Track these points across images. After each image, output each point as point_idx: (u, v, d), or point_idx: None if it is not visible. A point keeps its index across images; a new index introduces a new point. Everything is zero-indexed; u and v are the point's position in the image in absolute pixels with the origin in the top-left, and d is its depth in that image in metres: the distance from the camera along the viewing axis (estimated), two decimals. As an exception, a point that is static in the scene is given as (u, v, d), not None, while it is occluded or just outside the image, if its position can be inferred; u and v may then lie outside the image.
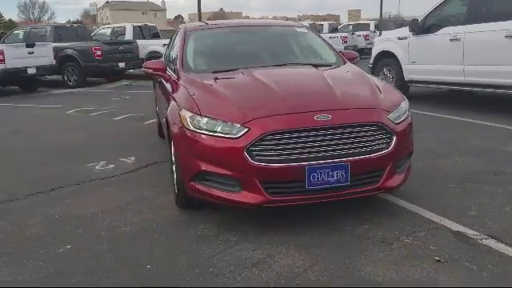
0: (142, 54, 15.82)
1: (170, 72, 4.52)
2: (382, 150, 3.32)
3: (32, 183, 4.72)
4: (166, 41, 16.10)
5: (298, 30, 5.13)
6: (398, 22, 27.10)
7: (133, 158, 5.50)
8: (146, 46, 15.95)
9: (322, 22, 26.33)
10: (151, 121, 7.84)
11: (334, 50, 4.78)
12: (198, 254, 3.08)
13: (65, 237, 3.43)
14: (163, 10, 77.36)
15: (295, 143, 3.14)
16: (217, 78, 3.88)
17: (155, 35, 17.99)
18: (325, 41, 5.00)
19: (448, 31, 7.74)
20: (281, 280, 2.73)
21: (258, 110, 3.26)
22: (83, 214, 3.84)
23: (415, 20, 8.41)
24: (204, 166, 3.31)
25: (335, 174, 3.19)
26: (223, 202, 3.34)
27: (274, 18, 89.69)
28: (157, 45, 16.09)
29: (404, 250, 3.04)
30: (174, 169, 3.80)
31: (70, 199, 4.23)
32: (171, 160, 4.10)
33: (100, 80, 15.25)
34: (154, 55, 15.89)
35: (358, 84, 3.80)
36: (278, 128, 3.13)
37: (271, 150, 3.14)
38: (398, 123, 3.44)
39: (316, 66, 4.27)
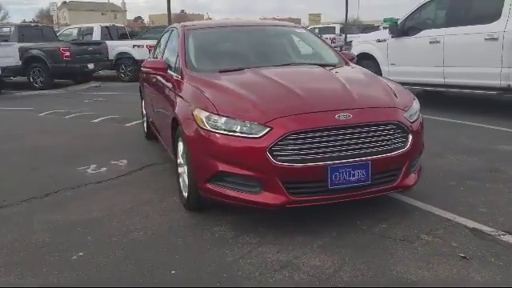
0: (111, 55, 15.43)
1: (170, 72, 4.39)
2: (399, 148, 3.33)
3: (23, 188, 4.50)
4: (136, 42, 15.94)
5: (297, 30, 5.11)
6: (361, 26, 27.72)
7: (125, 161, 5.33)
8: (115, 46, 15.56)
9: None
10: (134, 123, 7.67)
11: (334, 50, 4.79)
12: (221, 258, 2.99)
13: (74, 243, 3.27)
14: (124, 10, 75.98)
15: (317, 142, 3.11)
16: (227, 78, 3.81)
17: (123, 36, 17.59)
18: (324, 41, 5.00)
19: (427, 34, 7.92)
20: (315, 282, 2.69)
21: (279, 109, 3.21)
22: (87, 220, 3.68)
23: (395, 23, 8.57)
24: (222, 167, 3.23)
25: (356, 173, 3.18)
26: (242, 203, 3.26)
27: (237, 19, 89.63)
28: (126, 45, 15.72)
29: (427, 247, 3.05)
30: (185, 170, 3.68)
31: (69, 204, 4.04)
32: (176, 162, 4.00)
33: (67, 82, 14.79)
34: (123, 56, 15.59)
35: (371, 83, 3.81)
36: (301, 127, 3.09)
37: (293, 149, 3.09)
38: (413, 122, 3.47)
39: (322, 65, 4.26)
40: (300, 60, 4.53)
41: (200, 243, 3.21)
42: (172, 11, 19.35)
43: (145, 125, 6.50)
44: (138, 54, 15.32)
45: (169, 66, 4.49)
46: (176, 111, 3.77)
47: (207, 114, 3.31)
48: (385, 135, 3.28)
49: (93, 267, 2.93)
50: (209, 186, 3.34)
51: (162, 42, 5.65)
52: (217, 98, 3.40)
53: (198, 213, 3.69)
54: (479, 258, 2.90)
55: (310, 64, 4.36)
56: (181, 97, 3.81)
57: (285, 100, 3.34)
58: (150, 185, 4.49)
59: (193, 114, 3.43)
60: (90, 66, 14.14)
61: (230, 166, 3.21)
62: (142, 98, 6.62)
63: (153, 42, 15.27)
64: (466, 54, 7.31)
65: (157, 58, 5.85)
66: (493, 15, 6.95)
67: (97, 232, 3.45)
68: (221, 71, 4.01)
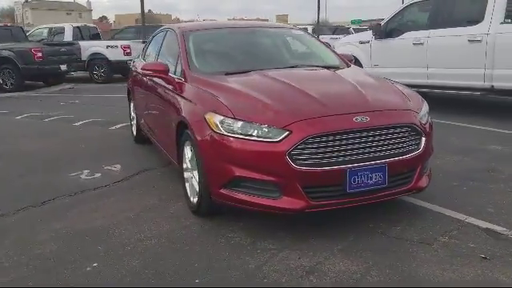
0: (84, 55, 15.04)
1: (170, 74, 4.28)
2: (413, 151, 3.35)
3: (16, 196, 4.30)
4: (110, 42, 15.59)
5: (295, 31, 5.08)
6: (332, 27, 27.99)
7: (118, 166, 5.18)
8: (88, 47, 15.18)
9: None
10: (118, 126, 7.49)
11: (334, 51, 4.79)
12: (243, 265, 2.92)
13: (85, 254, 3.13)
14: (89, 10, 74.35)
15: (336, 146, 3.09)
16: (236, 80, 3.74)
17: (95, 36, 17.21)
18: (322, 42, 4.99)
19: (411, 35, 8.05)
20: (345, 287, 2.66)
21: (297, 112, 3.17)
22: (93, 228, 3.54)
23: (378, 25, 8.67)
24: (238, 172, 3.16)
25: (374, 176, 3.17)
26: (260, 208, 3.20)
27: (204, 20, 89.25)
28: (99, 46, 15.36)
29: (446, 249, 3.07)
30: (194, 175, 3.60)
31: (70, 212, 3.89)
32: (181, 167, 3.90)
33: (38, 84, 14.32)
34: (96, 57, 15.23)
35: (381, 86, 3.82)
36: (320, 131, 3.05)
37: (312, 153, 3.06)
38: (425, 124, 3.49)
39: (326, 67, 4.24)
40: (303, 62, 4.50)
41: (217, 250, 3.14)
42: (138, 11, 19.02)
43: (133, 128, 6.34)
44: (111, 55, 15.01)
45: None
46: (184, 114, 3.68)
47: (221, 117, 3.24)
48: (400, 138, 3.29)
49: (110, 278, 2.81)
50: (223, 191, 3.26)
51: (155, 43, 5.52)
52: (231, 102, 3.33)
53: (208, 219, 3.60)
54: (499, 259, 2.93)
55: (314, 66, 4.33)
56: (188, 100, 3.72)
57: (301, 103, 3.30)
58: (150, 190, 4.37)
59: (205, 118, 3.35)
60: (63, 67, 13.74)
61: (247, 171, 3.14)
62: (130, 101, 6.45)
63: (127, 43, 15.16)
64: (449, 56, 7.45)
65: (145, 60, 5.75)
66: (476, 17, 7.12)
67: (107, 241, 3.32)
68: (227, 73, 3.93)
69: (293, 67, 4.25)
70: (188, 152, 3.73)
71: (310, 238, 3.26)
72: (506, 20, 6.85)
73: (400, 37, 8.26)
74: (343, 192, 3.13)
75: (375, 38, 8.66)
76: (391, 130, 3.24)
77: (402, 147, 3.29)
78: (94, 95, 12.14)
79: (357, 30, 26.25)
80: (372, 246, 3.14)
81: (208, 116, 3.33)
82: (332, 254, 3.04)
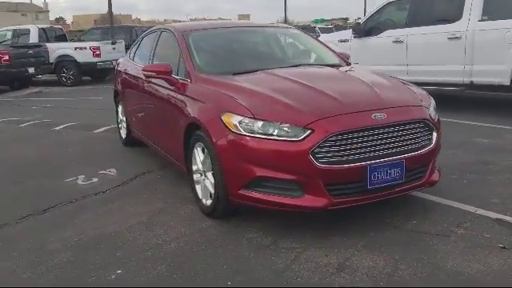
0: (51, 58, 14.59)
1: (173, 75, 4.20)
2: (427, 145, 3.42)
3: (14, 205, 4.15)
4: (78, 44, 15.19)
5: (293, 31, 5.09)
6: (299, 27, 28.28)
7: (113, 170, 5.06)
8: (56, 49, 14.73)
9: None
10: (101, 129, 7.32)
11: (332, 50, 4.83)
12: (272, 265, 2.91)
13: (106, 261, 3.05)
14: (46, 11, 72.07)
15: (357, 143, 3.12)
16: (247, 79, 3.71)
17: (61, 38, 16.74)
18: (320, 41, 5.02)
19: (390, 34, 8.21)
20: (379, 283, 2.68)
21: (317, 110, 3.17)
22: (106, 234, 3.45)
23: (358, 23, 8.80)
24: (260, 172, 3.15)
25: (392, 172, 3.22)
26: (282, 207, 3.20)
27: (165, 21, 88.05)
28: (67, 48, 14.94)
29: (465, 241, 3.15)
30: (208, 177, 3.55)
31: (76, 219, 3.77)
32: (191, 169, 3.85)
33: (4, 88, 13.79)
34: (64, 59, 14.80)
35: (390, 83, 3.87)
36: (342, 128, 3.07)
37: (334, 150, 3.08)
38: (435, 119, 3.57)
39: (330, 66, 4.27)
40: (306, 61, 4.52)
41: (241, 251, 3.11)
42: (99, 11, 18.66)
43: (122, 131, 6.20)
44: (80, 57, 14.63)
45: None
46: (195, 116, 3.62)
47: (240, 118, 3.21)
48: (415, 133, 3.35)
49: (139, 285, 2.74)
50: (243, 192, 3.24)
51: (146, 44, 5.41)
52: (248, 101, 3.30)
53: (224, 221, 3.57)
54: (518, 248, 3.03)
55: (317, 64, 4.36)
56: (199, 100, 3.66)
57: (319, 101, 3.31)
58: (154, 194, 4.29)
59: (221, 119, 3.31)
60: (31, 70, 13.32)
61: (269, 171, 3.13)
62: (117, 104, 6.30)
63: (97, 44, 14.80)
64: (429, 53, 7.64)
65: (134, 61, 5.64)
66: (455, 15, 7.33)
67: (124, 247, 3.24)
68: (235, 73, 3.90)
69: (296, 66, 4.25)
70: (199, 154, 3.68)
71: (329, 235, 3.28)
72: (484, 17, 7.09)
73: (379, 35, 8.41)
74: (364, 188, 3.16)
75: (355, 37, 8.79)
76: (407, 126, 3.30)
77: (417, 142, 3.36)
78: (66, 98, 11.82)
79: (322, 30, 26.62)
80: (393, 241, 3.18)
81: (225, 117, 3.29)
82: (356, 250, 3.07)
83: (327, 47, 4.87)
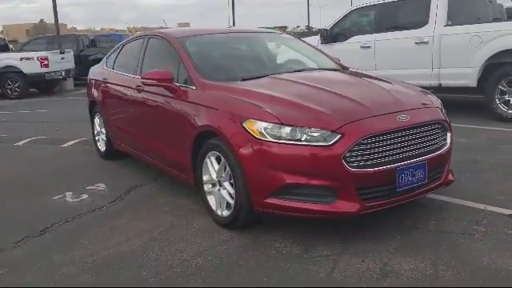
0: (-6, 69, 13.72)
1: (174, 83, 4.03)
2: (444, 146, 3.47)
3: (4, 227, 3.81)
4: (24, 54, 14.38)
5: (287, 36, 5.06)
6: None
7: (102, 185, 4.77)
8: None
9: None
10: (70, 143, 6.94)
11: (327, 55, 4.83)
12: (314, 274, 2.83)
13: (134, 281, 2.85)
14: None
15: (386, 145, 3.11)
16: (261, 85, 3.62)
17: (2, 48, 15.78)
18: (312, 46, 5.02)
19: (358, 39, 8.39)
20: (424, 284, 2.67)
21: (344, 114, 3.13)
22: (122, 254, 3.22)
23: (325, 30, 8.91)
24: (290, 179, 3.06)
25: (417, 174, 3.24)
26: (314, 215, 3.13)
27: (102, 29, 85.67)
28: (12, 58, 14.10)
29: (491, 238, 3.20)
30: (225, 187, 3.42)
31: (81, 239, 3.51)
32: (201, 180, 3.69)
33: None
34: (8, 70, 13.95)
35: (401, 85, 3.89)
36: (372, 131, 3.05)
37: (364, 154, 3.05)
38: (448, 120, 3.63)
39: (332, 70, 4.27)
40: (306, 65, 4.47)
41: (275, 262, 3.00)
42: (30, 21, 17.94)
43: (100, 144, 5.89)
44: (27, 68, 13.86)
45: None
46: (209, 124, 3.47)
47: (265, 124, 3.11)
48: (434, 134, 3.39)
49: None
50: (271, 200, 3.13)
51: (130, 53, 5.17)
52: (272, 107, 3.21)
53: (243, 232, 3.44)
54: (541, 242, 3.13)
55: (320, 69, 4.34)
56: (212, 108, 3.52)
57: (343, 105, 3.27)
58: (157, 207, 4.08)
59: (243, 126, 3.19)
60: (-26, 82, 12.42)
61: (299, 177, 3.05)
62: (94, 115, 5.98)
63: (45, 54, 14.06)
64: (397, 57, 7.87)
65: (108, 69, 5.40)
66: (421, 21, 7.60)
67: (148, 265, 3.04)
68: (244, 79, 3.79)
69: (300, 71, 4.21)
70: (213, 163, 3.54)
71: (357, 240, 3.24)
72: (448, 22, 7.40)
73: (347, 41, 8.56)
74: (393, 191, 3.16)
75: (321, 43, 8.87)
76: (427, 127, 3.34)
77: (436, 143, 3.40)
78: (15, 112, 11.12)
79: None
80: (422, 243, 3.19)
81: (247, 123, 3.18)
82: (390, 253, 3.05)
83: (321, 52, 4.88)
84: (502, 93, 7.02)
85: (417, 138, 3.26)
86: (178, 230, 3.59)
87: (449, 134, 3.55)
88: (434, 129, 3.39)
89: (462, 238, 3.22)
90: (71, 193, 4.56)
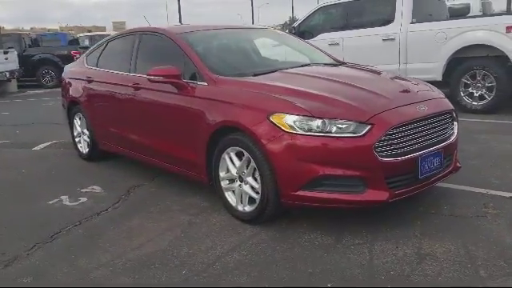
0: None
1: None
2: (453, 134, 3.65)
3: (9, 235, 3.58)
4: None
5: (280, 32, 5.10)
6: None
7: (98, 188, 4.60)
8: None
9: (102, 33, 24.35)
10: (42, 146, 6.60)
11: (321, 50, 4.92)
12: (355, 262, 2.88)
13: (177, 281, 2.78)
14: None
15: (410, 135, 3.23)
16: (278, 79, 3.64)
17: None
18: (308, 43, 5.10)
19: (325, 37, 8.58)
20: (467, 265, 2.80)
21: (371, 106, 3.22)
22: (151, 254, 3.14)
23: (293, 27, 9.04)
24: (322, 171, 3.10)
25: (435, 161, 3.39)
26: (344, 205, 3.18)
27: (32, 29, 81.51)
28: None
29: (504, 219, 3.39)
30: (248, 182, 3.42)
31: (100, 242, 3.37)
32: (218, 177, 3.66)
33: None
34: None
35: (406, 78, 4.04)
36: (399, 121, 3.16)
37: (392, 143, 3.15)
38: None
39: (334, 64, 4.36)
40: (310, 60, 4.52)
41: (312, 253, 3.04)
42: None
43: (82, 145, 5.66)
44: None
45: None
46: (230, 119, 3.44)
47: (295, 117, 3.14)
48: (446, 123, 3.56)
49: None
50: (302, 193, 3.16)
51: (119, 49, 4.99)
52: (299, 101, 3.23)
53: (266, 226, 3.44)
54: (550, 220, 3.37)
55: (322, 63, 4.41)
56: (229, 103, 3.49)
57: (367, 97, 3.36)
58: (167, 207, 3.98)
59: (270, 120, 3.20)
60: None
61: (330, 169, 3.10)
62: (73, 116, 5.72)
63: None
64: (364, 54, 8.11)
65: (91, 67, 5.22)
66: (387, 19, 7.91)
67: (183, 264, 2.98)
68: (255, 74, 3.79)
69: (306, 65, 4.26)
70: (233, 159, 3.52)
71: (382, 228, 3.34)
72: (413, 20, 7.75)
73: (314, 38, 8.71)
74: (416, 178, 3.28)
75: (288, 40, 8.99)
76: (441, 117, 3.50)
77: (447, 132, 3.57)
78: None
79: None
80: (443, 226, 3.33)
81: (274, 117, 3.19)
82: (418, 238, 3.17)
83: (317, 48, 4.96)
84: (466, 86, 7.44)
85: (434, 127, 3.41)
86: (198, 228, 3.53)
87: (455, 123, 3.73)
88: (447, 118, 3.56)
89: (478, 221, 3.40)
90: (67, 196, 4.36)
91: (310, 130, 3.10)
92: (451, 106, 3.68)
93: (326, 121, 3.10)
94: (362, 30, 8.18)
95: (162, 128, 4.20)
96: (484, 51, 7.14)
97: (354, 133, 3.08)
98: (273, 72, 3.87)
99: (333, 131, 3.10)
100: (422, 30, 7.59)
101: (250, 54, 4.47)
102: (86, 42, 19.35)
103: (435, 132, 3.41)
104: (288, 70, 3.91)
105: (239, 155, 3.47)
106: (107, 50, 5.26)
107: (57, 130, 7.36)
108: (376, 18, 8.18)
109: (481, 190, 3.99)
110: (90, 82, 5.23)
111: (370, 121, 3.10)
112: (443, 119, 3.51)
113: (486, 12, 12.50)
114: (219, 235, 3.38)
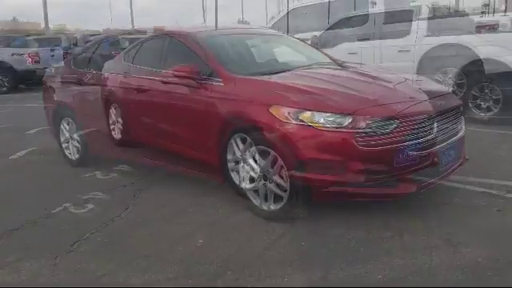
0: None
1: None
2: (462, 129, 3.85)
3: (23, 248, 3.39)
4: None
5: (282, 35, 5.23)
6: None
7: (100, 194, 4.42)
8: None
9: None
10: (21, 153, 6.25)
11: (322, 51, 5.03)
12: (398, 256, 2.96)
13: (238, 271, 2.84)
14: None
15: (431, 129, 3.38)
16: (297, 79, 3.74)
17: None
18: (305, 43, 5.22)
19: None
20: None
21: (392, 103, 3.35)
22: (192, 253, 3.11)
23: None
24: (358, 166, 3.19)
25: (451, 154, 3.58)
26: (379, 198, 3.36)
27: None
28: None
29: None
30: (278, 180, 3.44)
31: (128, 247, 3.29)
32: (241, 173, 3.68)
33: None
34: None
35: (410, 76, 4.19)
36: (423, 115, 3.30)
37: (417, 138, 3.28)
38: (461, 106, 4.01)
39: (337, 65, 4.48)
40: (314, 60, 4.58)
41: (351, 248, 3.10)
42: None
43: (71, 151, 5.47)
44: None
45: None
46: (256, 119, 3.45)
47: (327, 114, 3.20)
48: (456, 118, 3.75)
49: None
50: (334, 189, 3.23)
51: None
52: (329, 99, 3.32)
53: (289, 223, 3.50)
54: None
55: (327, 64, 4.52)
56: (248, 102, 3.56)
57: (387, 95, 3.49)
58: (183, 209, 3.91)
59: (299, 118, 3.25)
60: None
61: (369, 165, 3.19)
62: (60, 121, 5.51)
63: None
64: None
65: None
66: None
67: (241, 254, 3.09)
68: (271, 73, 3.85)
69: (312, 67, 4.34)
70: (256, 158, 3.54)
71: (403, 220, 3.44)
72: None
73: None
74: (437, 171, 3.44)
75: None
76: (453, 112, 3.68)
77: (457, 126, 3.76)
78: None
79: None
80: (462, 216, 3.50)
81: (305, 116, 3.25)
82: (440, 227, 3.30)
83: (313, 48, 5.08)
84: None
85: (450, 122, 3.58)
86: (224, 227, 3.53)
87: (462, 118, 3.93)
88: (458, 113, 3.75)
89: (493, 207, 3.61)
90: (70, 204, 4.17)
91: (342, 126, 3.19)
92: (460, 102, 3.87)
93: (356, 117, 3.17)
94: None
95: (184, 129, 4.16)
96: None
97: (385, 128, 3.18)
98: (283, 72, 3.95)
99: (362, 127, 3.16)
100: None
101: (259, 55, 4.54)
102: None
103: (450, 126, 3.59)
104: (299, 71, 4.04)
105: (263, 154, 3.49)
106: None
107: (30, 138, 7.08)
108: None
109: (485, 180, 4.17)
110: (79, 84, 5.09)
111: (395, 116, 3.21)
112: (455, 114, 3.69)
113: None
114: (248, 234, 3.38)
